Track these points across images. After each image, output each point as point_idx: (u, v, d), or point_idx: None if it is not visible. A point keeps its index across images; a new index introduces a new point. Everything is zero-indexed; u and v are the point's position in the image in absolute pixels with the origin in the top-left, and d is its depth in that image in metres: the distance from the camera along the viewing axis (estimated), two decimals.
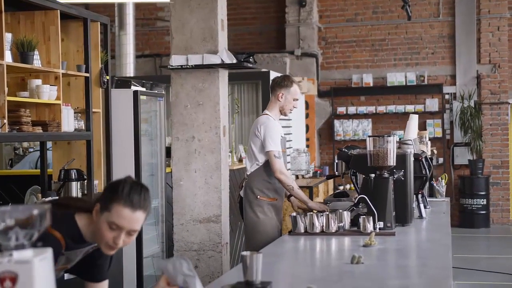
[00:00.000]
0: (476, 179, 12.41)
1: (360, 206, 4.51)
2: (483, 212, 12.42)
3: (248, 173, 5.36)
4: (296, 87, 5.40)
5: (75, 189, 5.46)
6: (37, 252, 1.75)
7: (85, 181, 5.64)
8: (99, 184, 5.87)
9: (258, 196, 5.26)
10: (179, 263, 2.57)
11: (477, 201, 12.38)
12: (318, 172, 11.08)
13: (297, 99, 5.42)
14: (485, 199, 12.41)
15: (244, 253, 2.74)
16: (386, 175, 4.45)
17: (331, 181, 11.21)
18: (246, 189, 5.34)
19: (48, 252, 1.77)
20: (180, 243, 5.76)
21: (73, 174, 5.47)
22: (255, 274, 2.74)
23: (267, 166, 5.24)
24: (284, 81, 5.39)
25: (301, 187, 9.15)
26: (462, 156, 12.74)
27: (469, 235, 11.81)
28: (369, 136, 4.52)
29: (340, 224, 4.33)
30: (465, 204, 12.44)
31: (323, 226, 4.30)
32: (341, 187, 12.22)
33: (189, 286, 2.57)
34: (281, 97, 5.35)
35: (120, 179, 2.65)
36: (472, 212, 12.39)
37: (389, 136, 4.47)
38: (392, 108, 12.88)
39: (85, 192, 5.66)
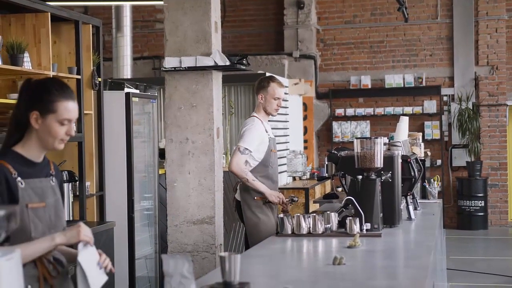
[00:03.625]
0: (474, 181, 12.41)
1: (348, 208, 4.52)
2: (481, 214, 12.42)
3: None
4: (273, 86, 5.45)
5: (67, 191, 5.48)
6: (4, 252, 1.78)
7: (77, 182, 5.66)
8: (91, 186, 5.89)
9: (255, 197, 5.36)
10: (181, 262, 2.61)
11: (475, 203, 12.38)
12: (316, 174, 11.09)
13: (277, 98, 5.46)
14: (483, 201, 12.40)
15: (222, 254, 2.77)
16: (373, 176, 4.46)
17: (328, 183, 11.21)
18: (242, 191, 5.44)
19: (16, 253, 1.80)
20: (173, 245, 5.78)
21: (65, 175, 5.49)
22: (233, 274, 2.77)
23: (260, 167, 5.32)
24: (261, 83, 5.50)
25: (297, 189, 9.22)
26: (460, 158, 12.74)
27: (467, 237, 11.81)
28: (356, 138, 4.54)
29: (328, 225, 4.35)
30: (463, 206, 12.44)
31: (310, 227, 4.32)
32: (340, 189, 12.23)
33: None
34: (262, 99, 5.46)
35: (39, 80, 2.83)
36: (470, 214, 12.40)
37: (376, 138, 4.48)
38: (390, 110, 12.89)
39: (77, 193, 5.68)
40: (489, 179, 12.65)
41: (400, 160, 4.76)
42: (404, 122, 5.59)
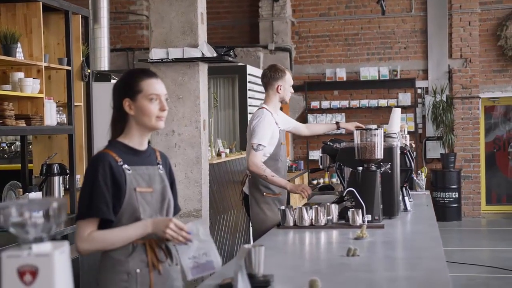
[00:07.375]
0: (448, 172, 12.55)
1: (346, 199, 4.51)
2: (455, 205, 12.57)
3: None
4: (288, 73, 5.40)
5: (57, 184, 5.39)
6: (56, 245, 1.73)
7: (68, 175, 5.57)
8: (81, 179, 5.80)
9: (264, 193, 5.22)
10: (195, 228, 2.62)
11: (449, 194, 12.52)
12: (294, 166, 11.11)
13: (291, 84, 5.44)
14: (456, 193, 12.55)
15: (247, 246, 2.73)
16: (373, 168, 4.46)
17: (305, 175, 11.24)
18: (252, 186, 5.26)
19: (65, 246, 1.75)
20: None
21: (55, 168, 5.39)
22: (257, 266, 2.74)
23: (269, 161, 5.17)
24: (278, 73, 5.35)
25: None
26: (434, 150, 12.87)
27: (441, 228, 11.82)
28: (356, 129, 4.53)
29: (329, 217, 4.34)
30: (437, 197, 12.57)
31: (312, 219, 4.30)
32: (315, 181, 12.27)
33: (206, 253, 2.59)
34: (280, 89, 5.35)
35: (124, 73, 3.01)
36: (444, 205, 12.53)
37: (377, 129, 4.48)
38: (365, 102, 12.95)
39: (67, 187, 5.59)
40: (462, 171, 12.80)
41: (398, 152, 4.77)
42: (397, 113, 5.60)
